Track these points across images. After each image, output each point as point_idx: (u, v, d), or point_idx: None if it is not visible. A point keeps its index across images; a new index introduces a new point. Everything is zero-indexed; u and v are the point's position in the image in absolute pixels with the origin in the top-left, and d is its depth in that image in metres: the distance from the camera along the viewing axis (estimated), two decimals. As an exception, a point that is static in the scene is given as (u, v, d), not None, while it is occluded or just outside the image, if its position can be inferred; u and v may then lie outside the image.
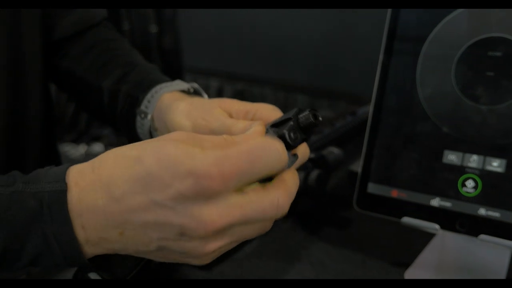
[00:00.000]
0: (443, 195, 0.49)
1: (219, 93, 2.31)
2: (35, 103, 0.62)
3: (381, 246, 0.57)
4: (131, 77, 0.60)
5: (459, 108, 0.49)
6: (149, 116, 0.55)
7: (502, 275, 0.48)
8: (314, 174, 0.61)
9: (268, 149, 0.34)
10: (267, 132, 0.39)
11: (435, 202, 0.50)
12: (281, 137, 0.38)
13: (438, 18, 0.50)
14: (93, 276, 0.39)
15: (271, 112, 0.47)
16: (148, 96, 0.55)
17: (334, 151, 0.68)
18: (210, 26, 2.05)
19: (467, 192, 0.48)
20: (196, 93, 0.56)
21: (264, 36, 1.96)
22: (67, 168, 0.36)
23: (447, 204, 0.49)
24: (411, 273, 0.51)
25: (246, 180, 0.34)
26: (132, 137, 0.58)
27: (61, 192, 0.34)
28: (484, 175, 0.47)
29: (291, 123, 0.38)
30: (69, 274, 0.41)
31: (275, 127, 0.39)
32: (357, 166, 0.56)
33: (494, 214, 0.47)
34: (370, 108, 0.54)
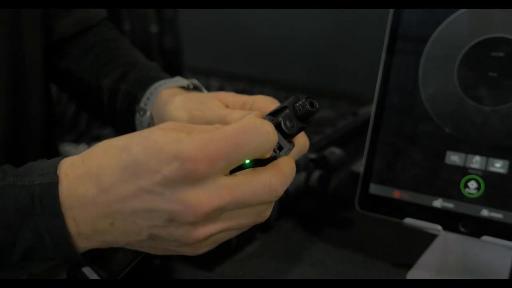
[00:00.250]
0: (446, 196, 0.49)
1: (220, 93, 2.30)
2: (35, 103, 0.62)
3: (382, 247, 0.57)
4: (130, 76, 0.59)
5: (461, 108, 0.49)
6: (148, 113, 0.54)
7: (504, 276, 0.48)
8: (316, 174, 0.61)
9: (255, 129, 0.33)
10: None
11: (438, 203, 0.49)
12: (277, 126, 0.37)
13: (441, 18, 0.50)
14: (87, 271, 0.39)
15: (269, 104, 0.46)
16: (148, 93, 0.55)
17: (335, 152, 0.68)
18: (211, 26, 2.05)
19: (470, 193, 0.48)
20: (196, 89, 0.56)
21: (264, 36, 1.96)
22: (59, 160, 0.36)
23: (449, 205, 0.49)
24: (413, 274, 0.51)
25: (234, 162, 0.33)
26: None
27: (52, 185, 0.34)
28: (487, 176, 0.47)
29: (287, 111, 0.38)
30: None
31: (272, 116, 0.39)
32: (359, 167, 0.56)
33: (497, 215, 0.46)
34: (372, 108, 0.53)
